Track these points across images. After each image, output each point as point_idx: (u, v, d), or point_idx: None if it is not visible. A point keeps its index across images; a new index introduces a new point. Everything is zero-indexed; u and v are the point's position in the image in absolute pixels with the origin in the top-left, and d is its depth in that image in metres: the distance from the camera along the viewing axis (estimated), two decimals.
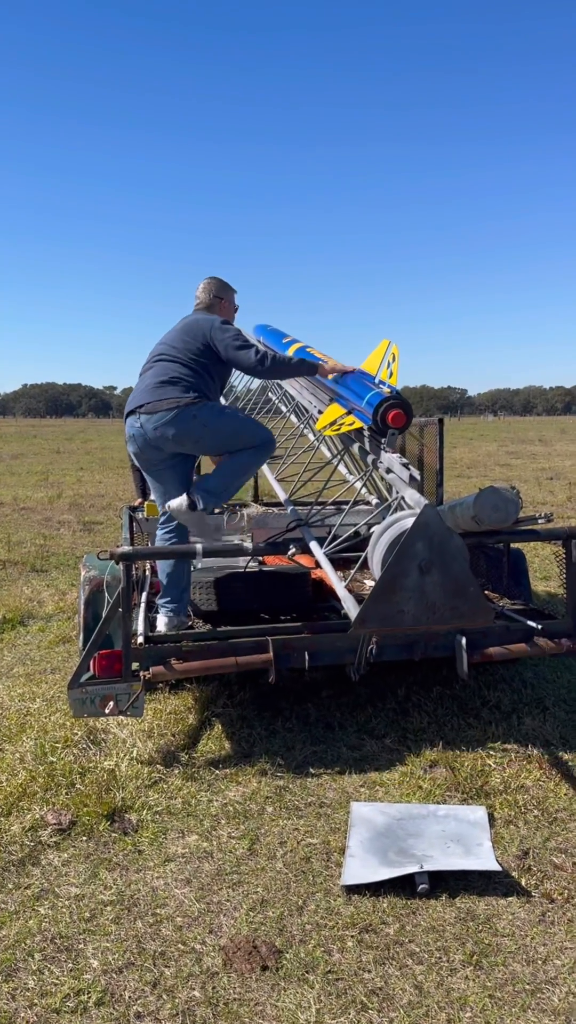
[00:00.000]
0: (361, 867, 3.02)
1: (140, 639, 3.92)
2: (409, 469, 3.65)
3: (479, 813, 3.40)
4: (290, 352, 5.09)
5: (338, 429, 4.14)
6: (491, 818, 3.39)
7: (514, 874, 3.02)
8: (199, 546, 4.03)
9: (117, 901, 2.86)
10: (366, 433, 4.08)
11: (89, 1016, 2.35)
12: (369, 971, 2.52)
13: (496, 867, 3.01)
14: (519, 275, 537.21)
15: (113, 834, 3.28)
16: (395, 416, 3.75)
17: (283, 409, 5.96)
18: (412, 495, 3.40)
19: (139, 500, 7.48)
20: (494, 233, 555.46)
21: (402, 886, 2.94)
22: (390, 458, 3.80)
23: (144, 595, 4.64)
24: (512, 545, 5.07)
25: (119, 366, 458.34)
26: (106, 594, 4.36)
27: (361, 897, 2.89)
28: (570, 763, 3.89)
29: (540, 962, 2.57)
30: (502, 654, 4.14)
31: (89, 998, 2.41)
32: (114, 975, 2.50)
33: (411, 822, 3.34)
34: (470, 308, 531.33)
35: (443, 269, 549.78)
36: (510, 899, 2.88)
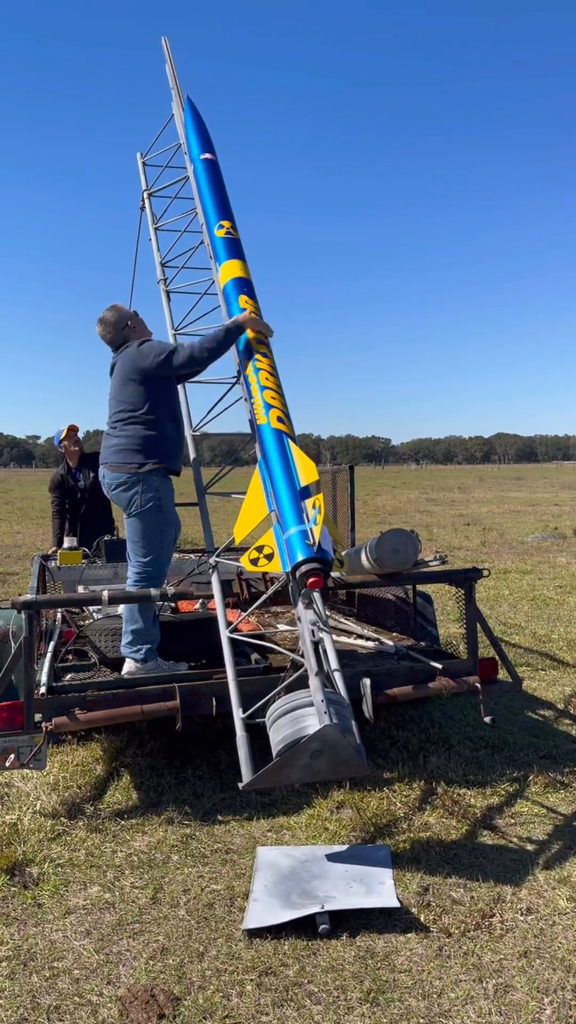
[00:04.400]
0: (263, 911, 3.03)
1: (43, 689, 3.88)
2: (319, 650, 3.53)
3: (382, 852, 3.46)
4: (221, 279, 4.98)
5: (256, 562, 3.90)
6: (394, 856, 3.44)
7: (414, 910, 3.08)
8: (105, 593, 4.04)
9: (13, 956, 2.80)
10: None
11: None
12: (267, 1013, 2.53)
13: (396, 904, 3.06)
14: (440, 329, 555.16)
15: (12, 888, 3.22)
16: (313, 582, 3.63)
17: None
18: (315, 687, 3.35)
19: (53, 548, 7.41)
20: (417, 284, 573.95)
21: (304, 928, 2.95)
22: (303, 614, 3.66)
23: (52, 644, 4.60)
24: (419, 587, 5.20)
25: (42, 416, 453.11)
26: (11, 644, 4.31)
27: (263, 940, 2.89)
28: (472, 800, 3.99)
29: (435, 996, 2.62)
30: (406, 695, 4.23)
31: None
32: None
33: (315, 864, 3.36)
34: (395, 361, 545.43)
35: (367, 323, 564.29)
36: (409, 935, 2.93)
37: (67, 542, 6.98)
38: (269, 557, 3.84)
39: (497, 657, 4.46)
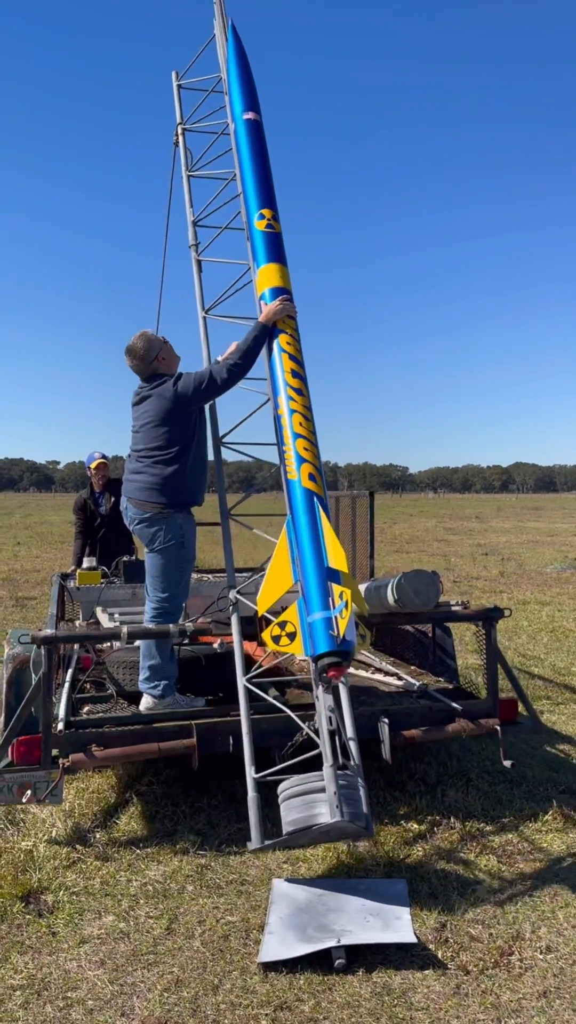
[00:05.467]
0: (279, 944, 3.01)
1: (61, 725, 3.87)
2: (336, 737, 3.52)
3: (399, 886, 3.42)
4: (260, 285, 4.64)
5: (278, 640, 3.77)
6: (411, 890, 3.41)
7: (431, 946, 3.04)
8: (125, 628, 4.05)
9: (27, 985, 2.79)
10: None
11: None
12: None
13: (412, 939, 3.02)
14: (459, 358, 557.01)
15: (27, 916, 3.21)
16: (334, 674, 3.58)
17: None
18: (328, 778, 3.38)
19: (72, 567, 7.48)
20: (433, 312, 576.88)
21: (320, 962, 2.92)
22: (322, 697, 3.64)
23: (69, 672, 4.60)
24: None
25: (61, 441, 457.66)
26: (31, 673, 4.32)
27: (278, 974, 2.87)
28: (490, 835, 3.94)
29: None
30: (423, 737, 4.18)
31: None
32: None
33: (332, 897, 3.33)
34: (413, 389, 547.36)
35: (384, 351, 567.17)
36: (426, 972, 2.89)
37: (86, 562, 7.03)
38: (291, 636, 3.74)
39: (516, 697, 4.42)
